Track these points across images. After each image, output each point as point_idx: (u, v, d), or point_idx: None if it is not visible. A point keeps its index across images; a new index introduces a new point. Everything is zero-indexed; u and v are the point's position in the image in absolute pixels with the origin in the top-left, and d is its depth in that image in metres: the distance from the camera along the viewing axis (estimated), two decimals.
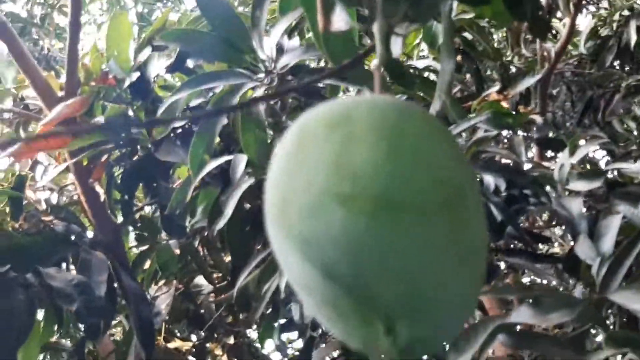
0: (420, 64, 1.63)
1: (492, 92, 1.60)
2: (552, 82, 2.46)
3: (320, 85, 1.27)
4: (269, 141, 1.19)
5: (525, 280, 2.68)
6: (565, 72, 2.65)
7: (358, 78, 0.91)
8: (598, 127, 2.46)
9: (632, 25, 2.35)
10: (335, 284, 0.33)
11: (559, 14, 2.55)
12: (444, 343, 0.37)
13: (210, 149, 1.13)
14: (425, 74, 1.74)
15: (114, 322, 2.24)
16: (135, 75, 1.50)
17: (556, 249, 2.42)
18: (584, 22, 2.76)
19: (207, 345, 2.19)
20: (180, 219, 1.50)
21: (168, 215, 1.50)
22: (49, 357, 2.20)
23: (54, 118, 1.34)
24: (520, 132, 2.27)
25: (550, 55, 2.23)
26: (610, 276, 1.00)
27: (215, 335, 2.19)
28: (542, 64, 2.26)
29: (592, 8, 2.84)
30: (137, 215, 1.83)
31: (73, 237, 1.53)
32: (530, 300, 0.83)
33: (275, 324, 1.39)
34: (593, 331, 1.40)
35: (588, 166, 2.08)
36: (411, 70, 1.66)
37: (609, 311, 1.32)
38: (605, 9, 2.63)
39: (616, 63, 2.62)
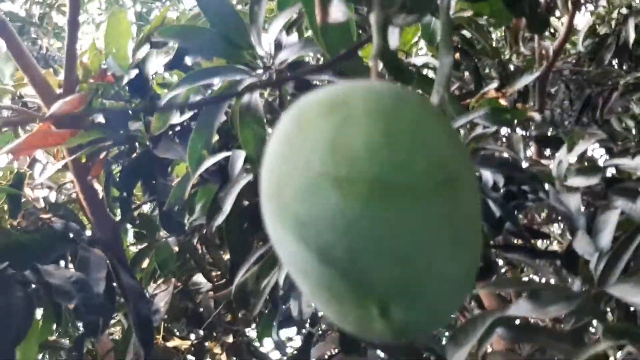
0: (419, 60, 1.64)
1: (490, 89, 1.60)
2: (550, 81, 2.47)
3: (318, 82, 1.27)
4: (267, 137, 1.19)
5: (524, 279, 2.68)
6: (564, 70, 2.65)
7: (355, 72, 0.91)
8: (596, 125, 2.46)
9: (631, 23, 2.35)
10: (330, 267, 0.33)
11: (557, 13, 2.55)
12: (439, 326, 0.37)
13: (209, 145, 1.13)
14: (424, 72, 1.74)
15: (112, 321, 2.24)
16: (134, 72, 1.50)
17: (555, 246, 2.42)
18: (582, 20, 2.76)
19: (206, 344, 2.19)
20: (179, 216, 1.50)
21: (167, 212, 1.50)
22: (47, 356, 2.20)
23: (53, 115, 1.34)
24: (518, 131, 2.27)
25: (548, 54, 2.23)
26: (608, 271, 1.00)
27: (214, 334, 2.19)
28: (541, 62, 2.26)
29: (590, 6, 2.85)
30: (135, 213, 1.83)
31: (71, 235, 1.53)
32: (529, 294, 0.83)
33: (274, 322, 1.39)
34: (592, 330, 1.41)
35: (586, 164, 2.08)
36: (410, 68, 1.66)
37: (607, 309, 1.32)
38: (604, 7, 2.63)
39: (614, 61, 2.62)
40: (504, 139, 2.37)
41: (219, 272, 2.00)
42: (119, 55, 1.55)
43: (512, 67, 2.35)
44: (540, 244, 2.74)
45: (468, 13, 1.76)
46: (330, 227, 0.32)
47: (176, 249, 1.64)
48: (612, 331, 0.76)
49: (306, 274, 0.35)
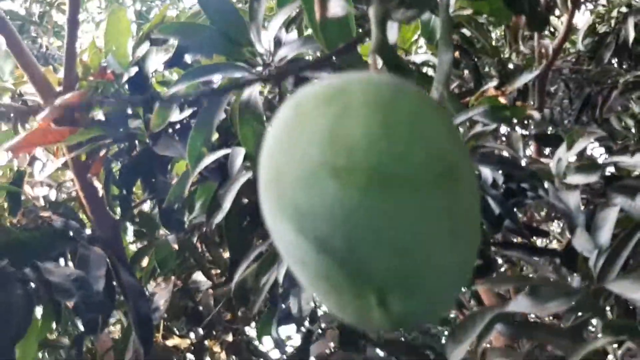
0: (418, 58, 1.64)
1: (490, 87, 1.61)
2: (550, 79, 2.47)
3: (317, 79, 1.27)
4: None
5: None
6: (563, 69, 2.65)
7: (353, 68, 0.91)
8: (596, 124, 2.46)
9: (630, 22, 2.35)
10: (328, 256, 0.33)
11: (557, 12, 2.55)
12: (436, 316, 0.37)
13: (209, 142, 1.13)
14: (424, 70, 1.75)
15: (112, 320, 2.24)
16: (134, 70, 1.50)
17: (554, 245, 2.42)
18: (582, 19, 2.76)
19: (206, 342, 2.19)
20: (179, 214, 1.50)
21: (166, 210, 1.50)
22: (46, 355, 2.20)
23: (52, 112, 1.34)
24: (518, 130, 2.27)
25: (548, 52, 2.23)
26: (607, 268, 1.00)
27: (214, 333, 2.19)
28: (540, 60, 2.26)
29: (590, 5, 2.85)
30: (135, 211, 1.83)
31: (71, 233, 1.53)
32: (528, 290, 0.83)
33: (274, 319, 1.39)
34: (592, 328, 1.41)
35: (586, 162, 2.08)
36: (409, 66, 1.66)
37: (607, 307, 1.32)
38: (603, 5, 2.63)
39: (614, 60, 2.62)
40: (504, 138, 2.38)
41: (218, 271, 2.00)
42: (119, 53, 1.55)
43: (511, 66, 2.35)
44: (539, 243, 2.74)
45: (468, 11, 1.76)
46: (329, 217, 0.32)
47: (176, 246, 1.64)
48: (612, 327, 0.77)
49: (305, 264, 0.35)
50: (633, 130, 2.41)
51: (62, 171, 2.01)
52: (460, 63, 1.94)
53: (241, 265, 1.24)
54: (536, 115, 1.73)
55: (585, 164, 1.35)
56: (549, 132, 2.33)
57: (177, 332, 2.21)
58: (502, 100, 1.52)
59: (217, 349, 2.20)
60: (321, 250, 0.33)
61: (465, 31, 1.94)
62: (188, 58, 1.58)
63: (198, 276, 1.97)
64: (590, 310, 0.87)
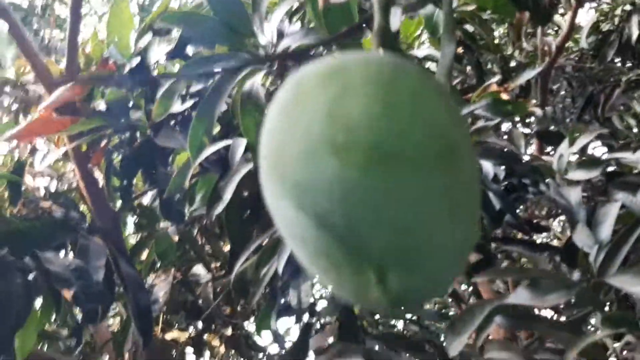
0: (421, 52, 1.63)
1: (492, 83, 1.60)
2: (552, 77, 2.46)
3: None
4: None
5: None
6: (566, 67, 2.65)
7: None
8: (598, 122, 2.46)
9: (634, 20, 2.35)
10: (328, 233, 0.33)
11: (561, 10, 2.55)
12: (435, 295, 0.37)
13: (210, 133, 1.13)
14: (426, 65, 1.74)
15: (111, 313, 2.25)
16: (136, 61, 1.50)
17: (554, 242, 2.42)
18: (586, 17, 2.76)
19: (205, 336, 2.20)
20: (179, 206, 1.50)
21: (167, 201, 1.50)
22: (46, 345, 2.20)
23: (54, 102, 1.34)
24: (520, 127, 2.27)
25: (551, 50, 2.23)
26: (607, 262, 1.00)
27: (213, 327, 2.19)
28: (543, 58, 2.26)
29: (593, 3, 2.84)
30: (135, 203, 1.83)
31: (71, 224, 1.53)
32: (528, 282, 0.83)
33: (273, 312, 1.39)
34: (592, 328, 1.40)
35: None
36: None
37: (607, 303, 1.32)
38: (607, 3, 2.62)
39: (617, 58, 2.62)
40: (505, 135, 2.37)
41: (218, 264, 2.00)
42: (121, 44, 1.55)
43: (514, 63, 2.35)
44: (539, 241, 2.74)
45: (471, 7, 1.76)
46: (328, 194, 0.32)
47: (176, 238, 1.64)
48: (611, 319, 0.76)
49: (304, 241, 0.35)
50: (635, 130, 2.40)
51: (63, 162, 2.02)
52: (463, 59, 1.94)
53: (241, 257, 1.24)
54: (538, 112, 1.73)
55: (587, 159, 1.35)
56: (551, 129, 2.32)
57: (177, 327, 2.22)
58: (505, 96, 1.52)
59: (216, 342, 2.20)
60: (321, 227, 0.33)
61: (469, 27, 1.93)
62: (190, 50, 1.57)
63: (198, 269, 1.98)
64: (590, 304, 0.87)
